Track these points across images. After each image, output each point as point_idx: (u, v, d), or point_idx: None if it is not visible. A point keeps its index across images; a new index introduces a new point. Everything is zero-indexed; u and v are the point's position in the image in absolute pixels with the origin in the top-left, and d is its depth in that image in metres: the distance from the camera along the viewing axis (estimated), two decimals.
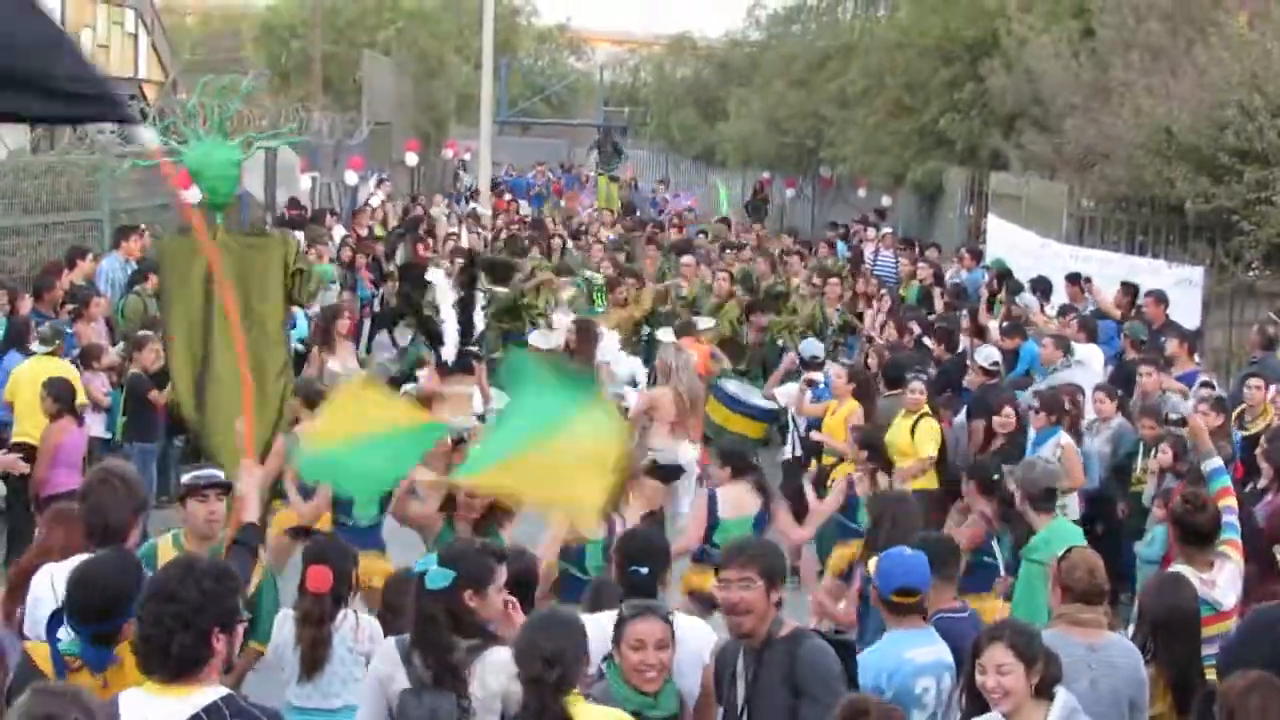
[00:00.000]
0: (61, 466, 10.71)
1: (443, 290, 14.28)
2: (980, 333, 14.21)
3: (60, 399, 10.81)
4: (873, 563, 6.17)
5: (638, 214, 31.84)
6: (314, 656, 6.30)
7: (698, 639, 5.68)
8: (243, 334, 8.71)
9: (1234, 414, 11.19)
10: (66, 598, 4.88)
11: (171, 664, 4.17)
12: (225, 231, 9.25)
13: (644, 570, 5.76)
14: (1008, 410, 11.19)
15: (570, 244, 22.07)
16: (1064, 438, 10.65)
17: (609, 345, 13.35)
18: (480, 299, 14.74)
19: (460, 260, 16.50)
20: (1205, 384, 11.89)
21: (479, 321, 14.30)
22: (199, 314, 8.81)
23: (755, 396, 12.59)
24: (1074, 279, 16.57)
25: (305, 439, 6.73)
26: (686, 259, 17.82)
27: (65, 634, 4.84)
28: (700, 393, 11.90)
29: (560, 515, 7.12)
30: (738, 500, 8.92)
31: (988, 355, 12.58)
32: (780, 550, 5.71)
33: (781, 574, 5.33)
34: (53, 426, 10.76)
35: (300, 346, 13.56)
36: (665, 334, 14.05)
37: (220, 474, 6.79)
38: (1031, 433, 10.98)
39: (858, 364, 13.47)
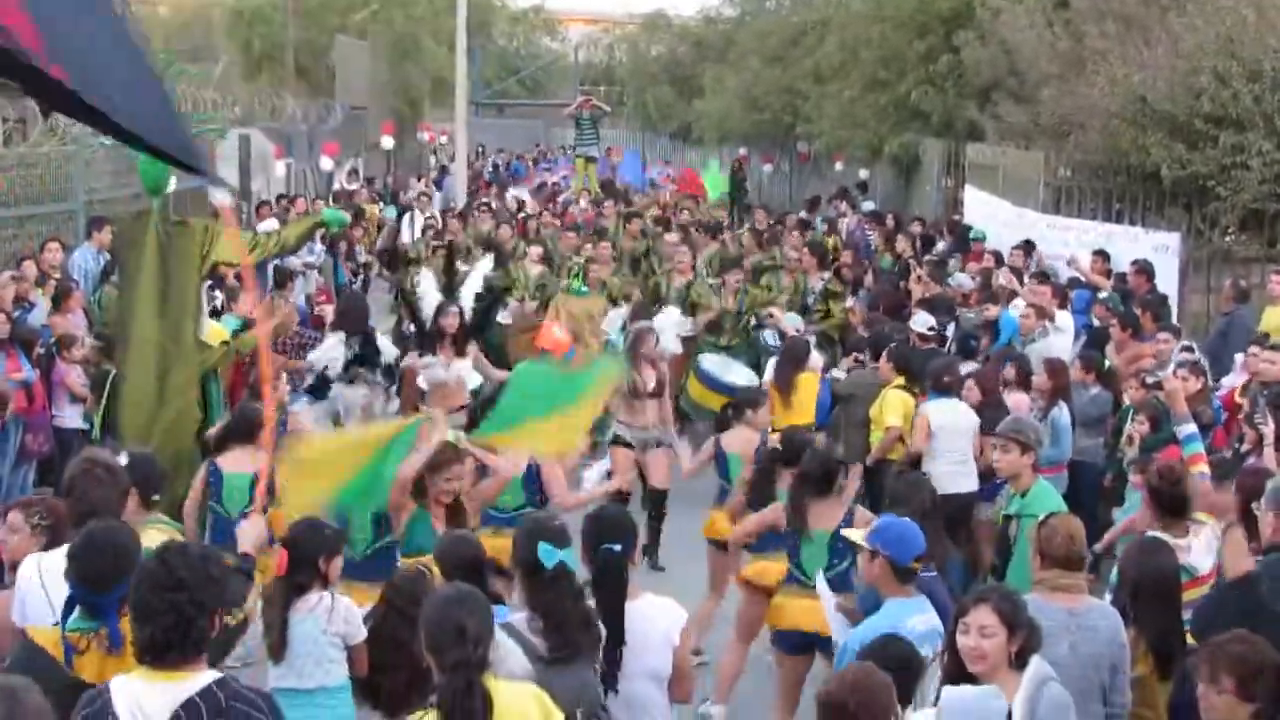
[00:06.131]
0: None
1: (428, 281, 14.17)
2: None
3: None
4: (857, 535, 6.16)
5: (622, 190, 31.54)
6: (273, 639, 6.28)
7: (667, 618, 5.67)
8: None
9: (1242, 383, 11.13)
10: (73, 571, 4.93)
11: (177, 650, 4.10)
12: (161, 217, 9.41)
13: (616, 547, 5.68)
14: (969, 384, 11.07)
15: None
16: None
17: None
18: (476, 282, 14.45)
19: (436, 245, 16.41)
20: (1185, 348, 11.87)
21: (467, 303, 14.07)
22: (133, 293, 9.21)
23: (731, 373, 12.58)
24: (1026, 246, 16.63)
25: (292, 498, 6.86)
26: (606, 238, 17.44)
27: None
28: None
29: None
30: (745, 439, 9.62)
31: (923, 321, 12.55)
32: None
33: None
34: None
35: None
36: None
37: None
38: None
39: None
